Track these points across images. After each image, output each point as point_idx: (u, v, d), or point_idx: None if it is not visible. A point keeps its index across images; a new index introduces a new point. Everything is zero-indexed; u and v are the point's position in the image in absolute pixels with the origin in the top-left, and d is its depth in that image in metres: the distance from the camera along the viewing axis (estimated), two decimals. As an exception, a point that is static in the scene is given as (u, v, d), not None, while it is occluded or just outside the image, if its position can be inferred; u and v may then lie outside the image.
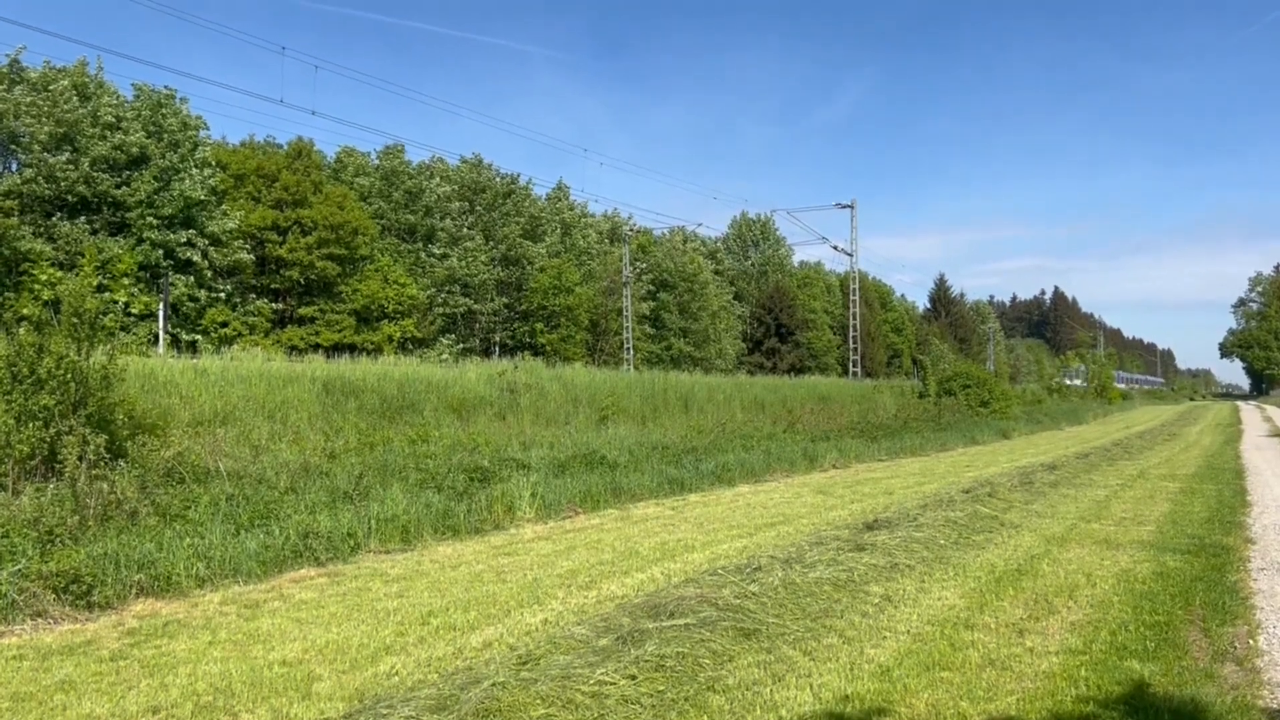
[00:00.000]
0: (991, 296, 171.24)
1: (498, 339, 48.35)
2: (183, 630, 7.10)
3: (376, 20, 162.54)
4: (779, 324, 65.38)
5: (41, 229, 30.51)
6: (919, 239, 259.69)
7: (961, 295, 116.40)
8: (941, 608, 7.66)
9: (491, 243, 48.68)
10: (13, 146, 31.76)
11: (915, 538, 10.27)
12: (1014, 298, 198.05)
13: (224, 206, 35.91)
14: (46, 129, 31.81)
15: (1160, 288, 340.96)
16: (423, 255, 45.12)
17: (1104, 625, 7.16)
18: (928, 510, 12.36)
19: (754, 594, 7.49)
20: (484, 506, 12.05)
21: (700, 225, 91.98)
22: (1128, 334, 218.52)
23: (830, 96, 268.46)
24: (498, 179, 53.03)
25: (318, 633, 6.97)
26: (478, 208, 50.64)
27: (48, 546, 8.13)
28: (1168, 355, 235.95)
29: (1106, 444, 28.39)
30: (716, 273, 72.40)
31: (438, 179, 49.46)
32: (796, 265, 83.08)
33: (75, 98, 33.40)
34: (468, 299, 45.18)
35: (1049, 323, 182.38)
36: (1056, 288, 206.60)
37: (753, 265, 78.56)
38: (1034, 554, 10.07)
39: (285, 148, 43.79)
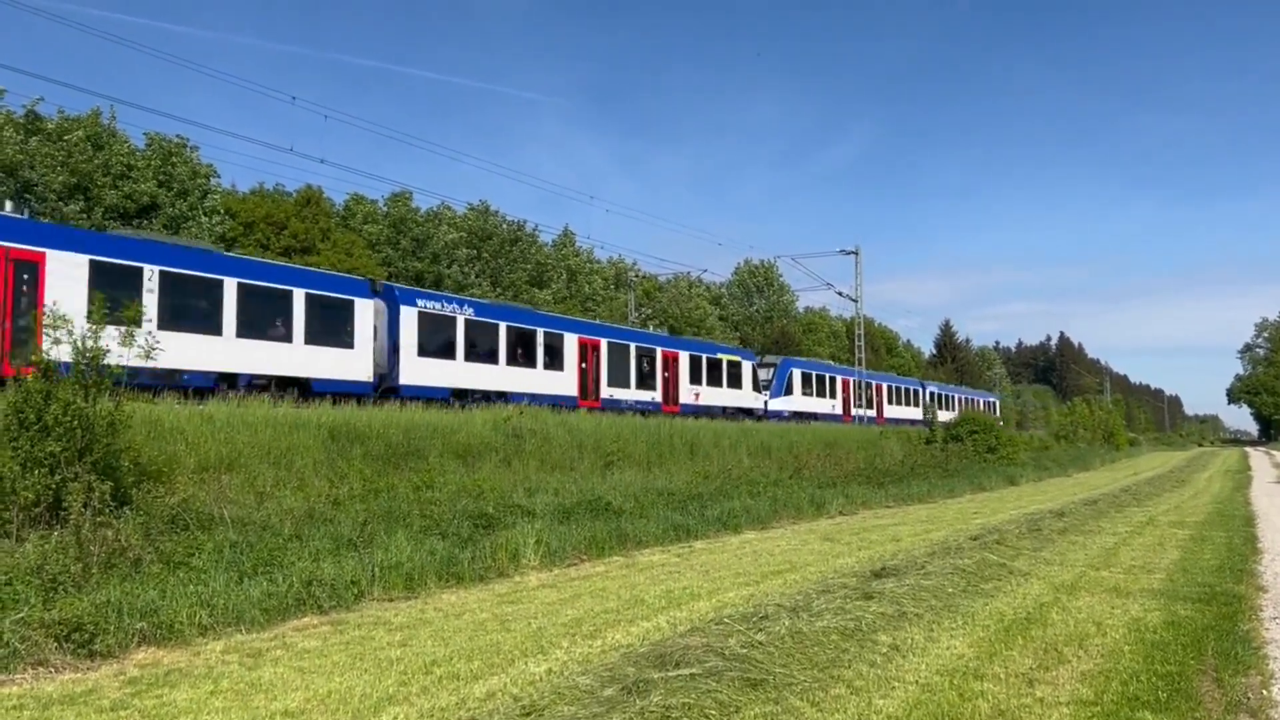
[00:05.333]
0: (997, 342, 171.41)
1: (503, 384, 48.34)
2: (184, 679, 7.04)
3: (385, 69, 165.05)
4: (784, 369, 65.22)
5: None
6: (924, 284, 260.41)
7: (967, 340, 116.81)
8: (950, 657, 7.58)
9: (498, 289, 48.94)
10: (27, 195, 32.13)
11: (923, 586, 10.18)
12: (1019, 343, 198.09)
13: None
14: (61, 178, 32.20)
15: (1166, 333, 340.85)
16: (429, 302, 45.35)
17: (1115, 675, 7.07)
18: (935, 558, 12.26)
19: (760, 643, 7.42)
20: (488, 554, 11.97)
21: (705, 271, 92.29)
22: (1134, 380, 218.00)
23: (834, 143, 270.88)
24: (504, 225, 53.45)
25: (320, 682, 6.91)
26: (484, 254, 50.98)
27: (51, 594, 8.09)
28: (1175, 401, 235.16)
29: (1115, 490, 28.21)
30: (721, 318, 72.73)
31: (445, 226, 49.84)
32: (801, 310, 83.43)
33: (89, 147, 33.84)
34: (474, 345, 45.30)
35: (1055, 368, 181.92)
36: (1062, 333, 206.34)
37: (757, 311, 78.80)
38: (1043, 602, 9.98)
39: (294, 195, 44.30)
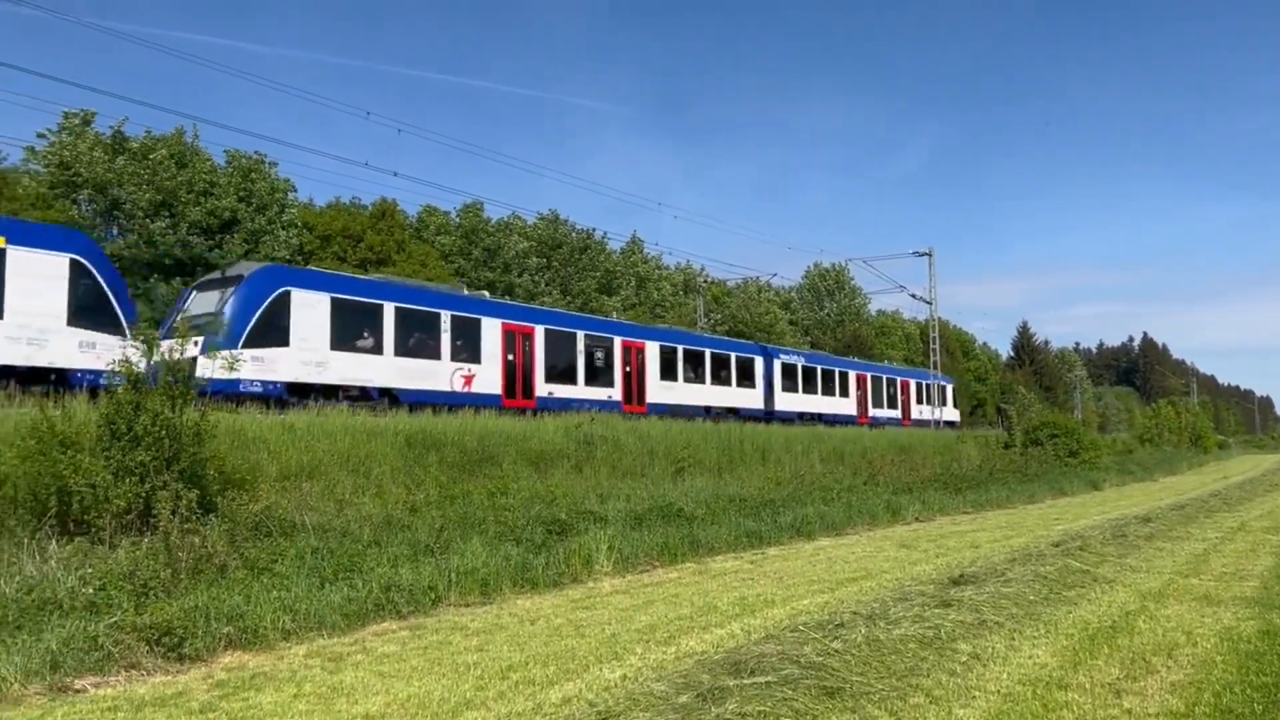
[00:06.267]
0: (1077, 344, 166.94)
1: (574, 391, 48.71)
2: (269, 683, 7.22)
3: (455, 83, 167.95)
4: (856, 373, 64.11)
5: (140, 290, 31.89)
6: (999, 286, 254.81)
7: (1046, 342, 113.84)
8: (1033, 666, 7.39)
9: (568, 297, 49.33)
10: (115, 213, 33.37)
11: (1004, 593, 9.96)
12: (1101, 344, 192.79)
13: (310, 266, 37.10)
14: (147, 196, 33.35)
15: (1255, 333, 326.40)
16: (501, 310, 46.00)
17: (1207, 686, 6.83)
18: (1016, 564, 11.99)
19: (837, 651, 7.34)
20: (561, 559, 12.05)
21: (774, 275, 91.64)
22: (1222, 380, 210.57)
23: (901, 147, 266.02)
24: (574, 234, 53.85)
25: (399, 686, 7.02)
26: (554, 263, 51.43)
27: (142, 599, 8.38)
28: (1265, 402, 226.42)
29: (1203, 495, 27.29)
30: (791, 323, 72.22)
31: (516, 236, 50.39)
32: (873, 313, 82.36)
33: (173, 165, 35.01)
34: (545, 352, 45.74)
35: (1138, 370, 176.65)
36: (1145, 334, 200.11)
37: (829, 314, 78.03)
38: (1129, 610, 9.69)
39: (369, 208, 45.23)
